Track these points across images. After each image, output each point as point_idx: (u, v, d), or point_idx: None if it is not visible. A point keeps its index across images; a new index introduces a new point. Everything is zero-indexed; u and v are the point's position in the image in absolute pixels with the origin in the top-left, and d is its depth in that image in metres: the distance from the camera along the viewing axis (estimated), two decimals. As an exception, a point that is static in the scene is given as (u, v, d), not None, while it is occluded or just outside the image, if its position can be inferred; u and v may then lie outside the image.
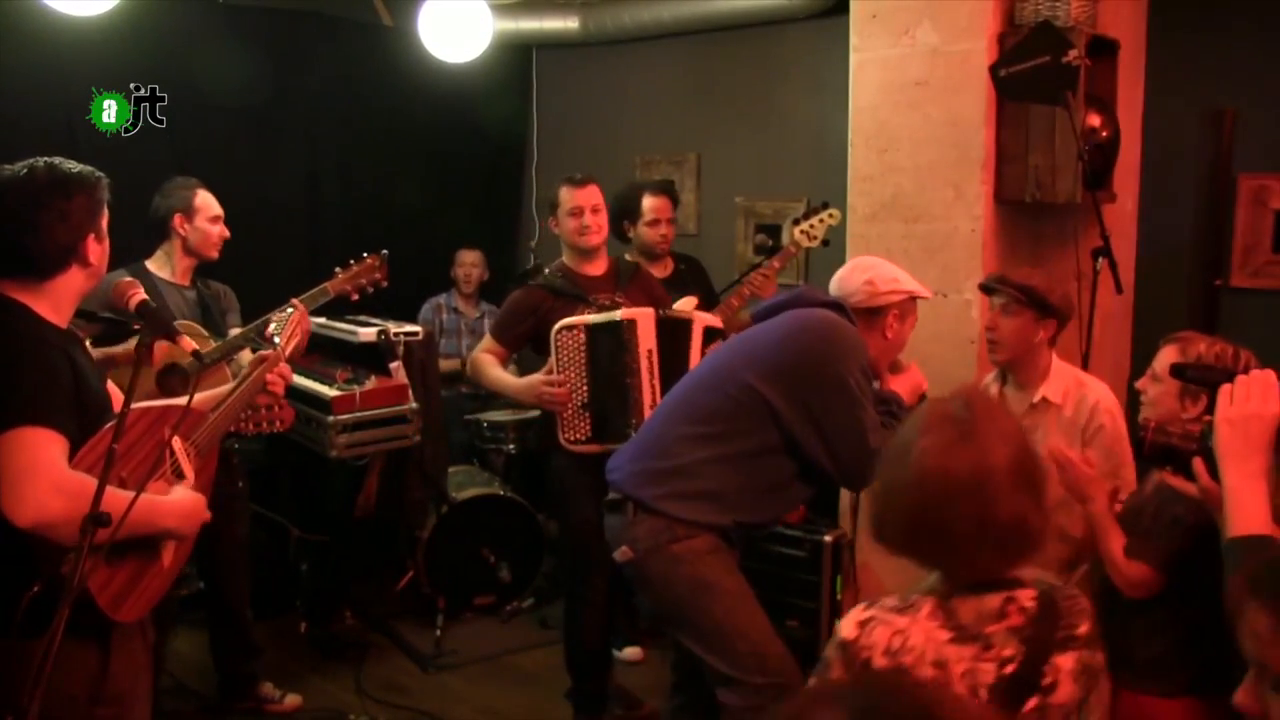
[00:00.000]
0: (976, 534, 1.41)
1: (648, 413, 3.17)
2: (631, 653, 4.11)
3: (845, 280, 2.75)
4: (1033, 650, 1.42)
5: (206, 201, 3.50)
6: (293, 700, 3.70)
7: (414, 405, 3.89)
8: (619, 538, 2.61)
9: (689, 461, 2.55)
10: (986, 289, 2.87)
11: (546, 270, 3.55)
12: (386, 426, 3.86)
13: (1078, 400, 2.75)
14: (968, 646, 1.41)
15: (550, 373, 3.27)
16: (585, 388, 3.25)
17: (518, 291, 3.53)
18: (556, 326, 3.26)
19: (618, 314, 3.26)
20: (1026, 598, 1.45)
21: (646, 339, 3.21)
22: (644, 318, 3.23)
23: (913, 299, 2.77)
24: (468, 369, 3.64)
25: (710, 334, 3.31)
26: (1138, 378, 2.45)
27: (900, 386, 2.78)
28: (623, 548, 2.59)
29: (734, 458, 2.53)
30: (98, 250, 2.10)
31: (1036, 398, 2.78)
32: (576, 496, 3.34)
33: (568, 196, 3.45)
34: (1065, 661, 1.45)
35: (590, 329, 3.25)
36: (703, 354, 3.24)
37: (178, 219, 3.45)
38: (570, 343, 3.25)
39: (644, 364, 3.19)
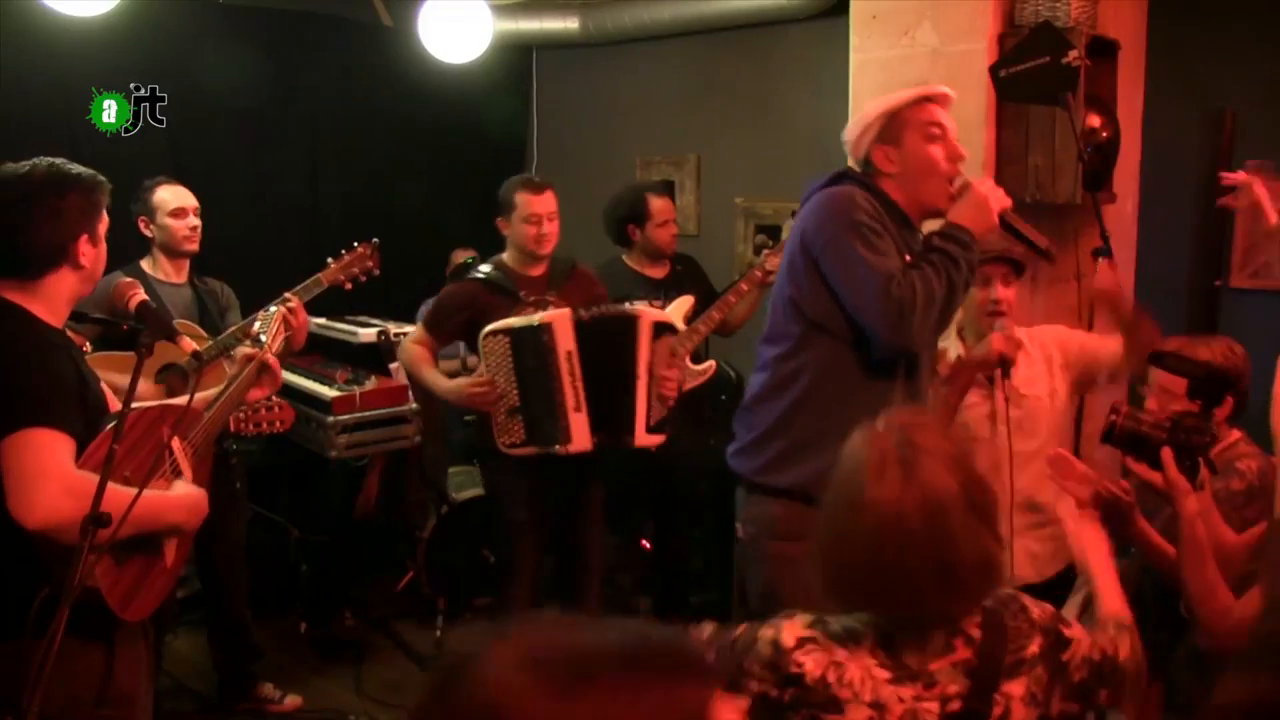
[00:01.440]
0: (939, 578, 1.32)
1: (571, 416, 3.16)
2: (631, 653, 4.12)
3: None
4: (979, 683, 1.36)
5: (164, 198, 3.44)
6: (293, 701, 3.70)
7: (414, 406, 3.90)
8: (739, 507, 2.50)
9: (769, 421, 2.36)
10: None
11: (484, 266, 3.51)
12: (386, 427, 3.87)
13: (1028, 337, 2.85)
14: (908, 687, 1.35)
15: (480, 376, 3.26)
16: (515, 392, 3.22)
17: (453, 285, 3.53)
18: (483, 332, 3.22)
19: (536, 318, 3.21)
20: (972, 625, 1.39)
21: (565, 341, 3.16)
22: (560, 320, 3.17)
23: (899, 111, 2.36)
24: (399, 356, 3.60)
25: (659, 329, 3.26)
26: (1138, 378, 2.44)
27: (961, 215, 2.33)
28: (739, 523, 2.49)
29: (809, 395, 2.32)
30: (91, 253, 2.07)
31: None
32: (508, 499, 3.42)
33: (525, 202, 3.38)
34: (1015, 688, 1.39)
35: (515, 333, 3.22)
36: (652, 350, 3.23)
37: (141, 222, 3.43)
38: (497, 348, 3.22)
39: (564, 366, 3.16)
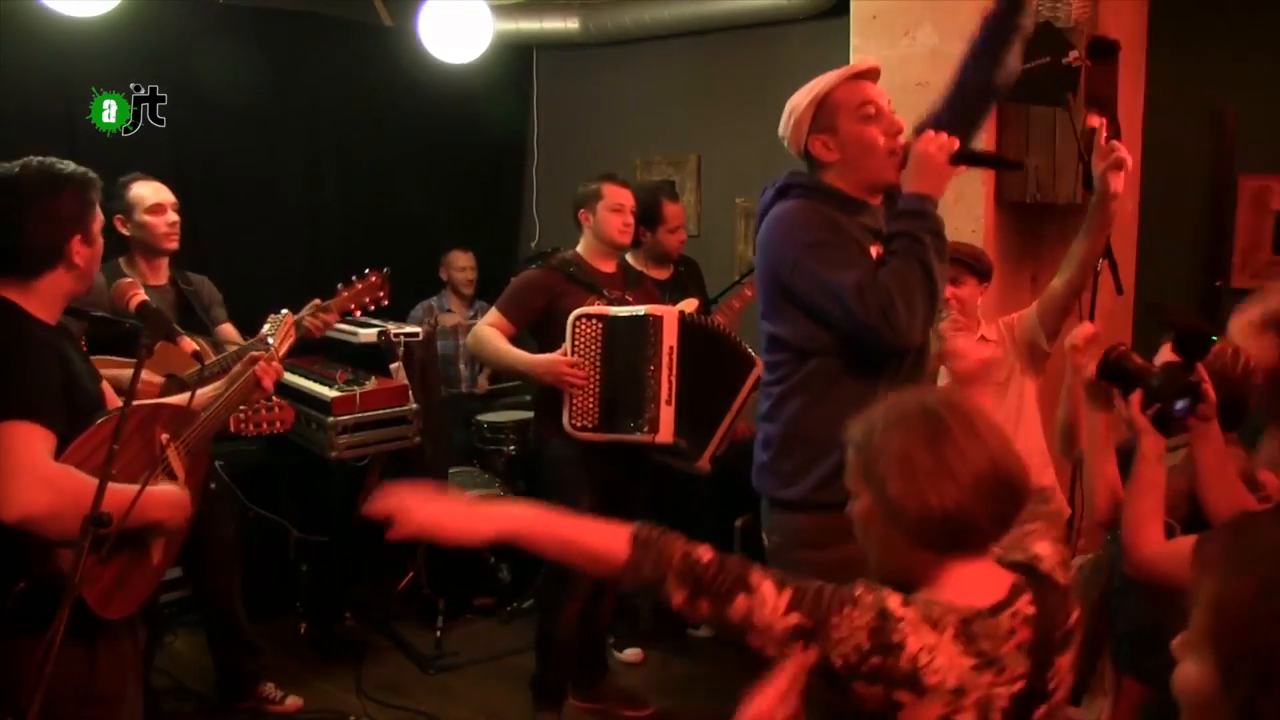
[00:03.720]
0: (1022, 489, 1.43)
1: (662, 407, 3.19)
2: (631, 653, 4.12)
3: None
4: (1038, 661, 1.38)
5: (141, 194, 3.33)
6: (294, 701, 3.69)
7: (414, 406, 3.90)
8: (764, 517, 2.46)
9: (775, 442, 2.34)
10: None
11: (559, 256, 3.56)
12: (386, 427, 3.86)
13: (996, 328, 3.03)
14: (986, 673, 1.36)
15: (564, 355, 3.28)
16: (598, 377, 3.26)
17: (531, 271, 3.52)
18: (575, 314, 3.27)
19: (642, 309, 3.27)
20: (1025, 604, 1.41)
21: (670, 337, 3.22)
22: (670, 316, 3.24)
23: (829, 96, 2.29)
24: (469, 341, 3.61)
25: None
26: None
27: (910, 182, 2.25)
28: (764, 531, 2.45)
29: (803, 415, 2.29)
30: (85, 252, 2.08)
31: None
32: (571, 490, 3.32)
33: (613, 192, 3.47)
34: (1065, 660, 1.43)
35: (610, 321, 3.27)
36: (749, 397, 3.24)
37: (117, 221, 3.29)
38: (588, 331, 3.26)
39: (665, 360, 3.21)
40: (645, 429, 3.22)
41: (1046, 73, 3.19)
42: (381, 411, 3.84)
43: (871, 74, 2.34)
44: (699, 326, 3.32)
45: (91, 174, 2.13)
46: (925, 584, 1.43)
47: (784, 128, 2.37)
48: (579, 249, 3.55)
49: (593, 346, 3.26)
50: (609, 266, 3.54)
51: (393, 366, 3.95)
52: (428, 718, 3.66)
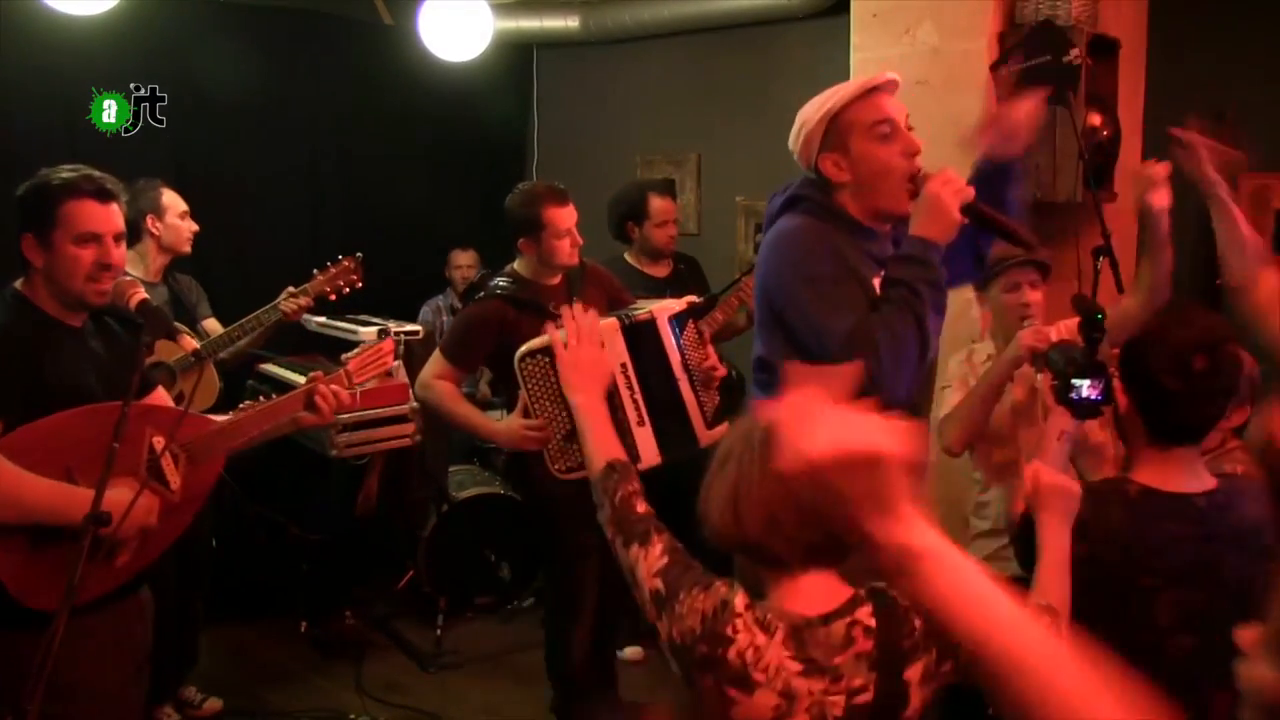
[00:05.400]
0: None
1: (635, 432, 2.91)
2: (632, 652, 4.12)
3: None
4: (886, 674, 1.37)
5: (172, 200, 3.57)
6: (213, 705, 3.64)
7: (414, 405, 3.90)
8: None
9: None
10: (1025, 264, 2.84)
11: (497, 281, 3.26)
12: (387, 426, 3.86)
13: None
14: (817, 680, 1.36)
15: (524, 407, 2.96)
16: (565, 415, 2.87)
17: (474, 307, 3.25)
18: (518, 355, 2.91)
19: None
20: (865, 615, 1.40)
21: (617, 353, 2.88)
22: (609, 331, 2.85)
23: (842, 113, 2.16)
24: (417, 393, 3.31)
25: (680, 319, 3.00)
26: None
27: (917, 224, 2.09)
28: None
29: None
30: (41, 255, 2.16)
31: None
32: (572, 521, 3.05)
33: (557, 218, 3.15)
34: (914, 673, 1.41)
35: (554, 354, 3.02)
36: (679, 345, 2.97)
37: (150, 220, 3.49)
38: (536, 371, 2.91)
39: (620, 380, 2.89)
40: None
41: (1047, 71, 3.19)
42: (381, 410, 3.84)
43: (889, 86, 2.19)
44: (637, 324, 2.96)
45: (73, 184, 2.16)
46: (770, 591, 1.45)
47: (794, 141, 2.24)
48: (517, 267, 3.25)
49: (548, 384, 2.92)
50: (555, 279, 3.26)
51: (393, 365, 3.95)
52: (428, 716, 3.66)
